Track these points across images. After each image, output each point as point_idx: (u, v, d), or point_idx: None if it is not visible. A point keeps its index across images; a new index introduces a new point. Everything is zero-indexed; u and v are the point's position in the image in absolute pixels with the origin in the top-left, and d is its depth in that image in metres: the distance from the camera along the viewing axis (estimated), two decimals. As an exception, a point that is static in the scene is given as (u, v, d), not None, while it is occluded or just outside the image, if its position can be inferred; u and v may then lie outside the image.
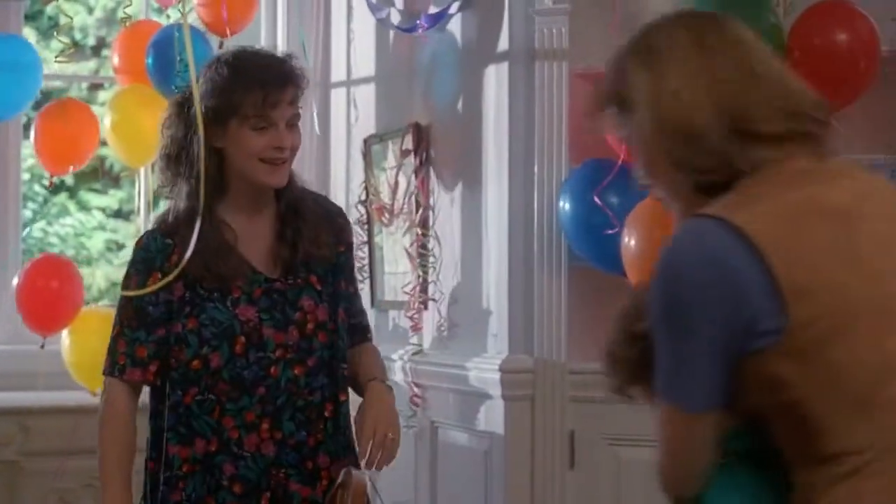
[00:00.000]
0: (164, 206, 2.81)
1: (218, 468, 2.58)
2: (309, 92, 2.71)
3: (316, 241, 2.67)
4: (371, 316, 3.27)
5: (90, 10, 7.71)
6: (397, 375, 4.20)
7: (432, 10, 4.18)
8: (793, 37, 3.62)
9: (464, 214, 4.08)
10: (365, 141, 4.63)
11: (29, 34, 5.91)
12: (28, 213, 7.20)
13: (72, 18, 4.94)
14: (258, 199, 2.67)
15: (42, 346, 4.63)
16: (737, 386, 1.74)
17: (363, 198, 4.55)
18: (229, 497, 2.58)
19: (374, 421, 2.57)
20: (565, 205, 3.64)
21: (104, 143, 4.85)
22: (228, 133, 2.60)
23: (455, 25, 4.14)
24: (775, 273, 1.69)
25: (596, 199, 3.51)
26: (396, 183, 4.37)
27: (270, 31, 5.19)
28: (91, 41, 7.67)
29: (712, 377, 1.73)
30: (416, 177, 4.24)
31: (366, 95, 4.76)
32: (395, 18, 4.43)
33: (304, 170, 4.26)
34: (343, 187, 4.79)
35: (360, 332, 2.79)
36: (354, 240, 2.97)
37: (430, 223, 4.22)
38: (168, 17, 4.95)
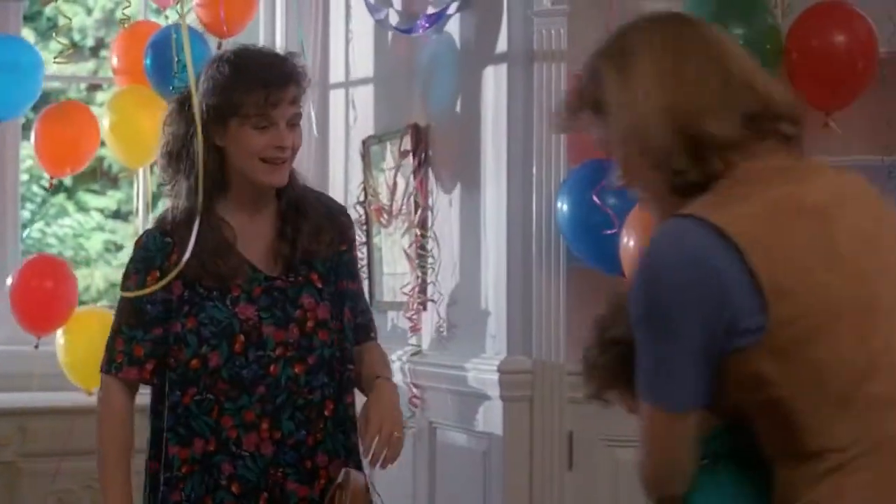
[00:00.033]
0: (162, 206, 2.81)
1: (216, 468, 2.58)
2: (307, 93, 2.71)
3: (316, 238, 2.67)
4: (370, 317, 3.27)
5: (89, 11, 7.71)
6: (396, 376, 4.20)
7: (431, 10, 4.19)
8: (791, 38, 3.62)
9: (462, 215, 4.08)
10: (363, 142, 4.63)
11: (27, 35, 5.91)
12: (26, 214, 7.20)
13: (70, 19, 4.94)
14: (259, 198, 2.67)
15: (36, 347, 4.63)
16: (719, 385, 1.75)
17: (362, 199, 4.55)
18: (227, 497, 2.58)
19: (379, 418, 2.56)
20: (564, 205, 3.64)
21: (102, 144, 4.85)
22: (229, 132, 2.60)
23: (453, 26, 4.14)
24: (756, 272, 1.70)
25: (595, 199, 3.51)
26: (395, 184, 4.37)
27: (269, 32, 5.19)
28: (90, 42, 7.67)
29: (694, 377, 1.74)
30: (415, 178, 4.25)
31: (364, 96, 4.76)
32: (394, 19, 4.43)
33: (302, 171, 4.26)
34: (342, 188, 4.79)
35: (364, 330, 2.77)
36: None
37: (429, 224, 4.22)
38: (166, 17, 4.95)
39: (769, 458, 1.76)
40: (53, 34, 4.94)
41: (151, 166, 5.04)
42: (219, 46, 4.49)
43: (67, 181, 6.79)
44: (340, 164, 4.88)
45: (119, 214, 7.85)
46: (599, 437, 3.67)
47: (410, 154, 4.27)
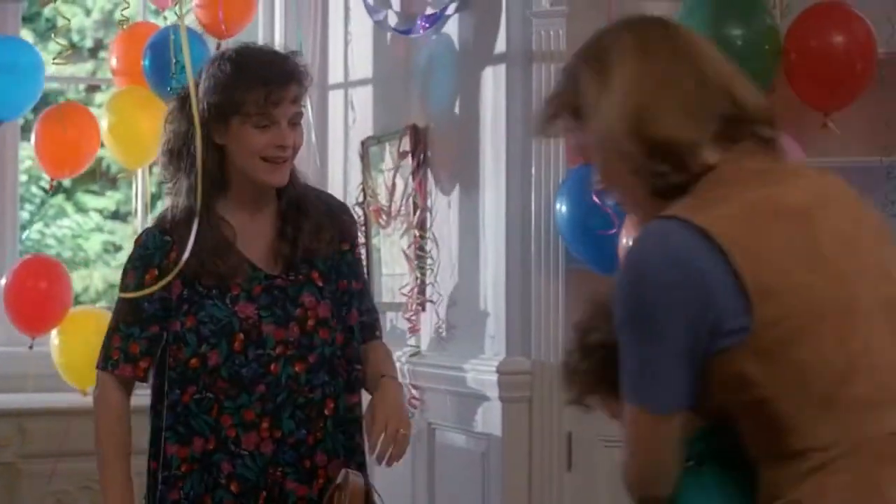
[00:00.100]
0: (161, 207, 2.81)
1: (216, 467, 2.58)
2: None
3: (317, 237, 2.66)
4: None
5: (87, 12, 7.72)
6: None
7: (429, 11, 4.19)
8: (789, 39, 3.62)
9: (461, 216, 4.08)
10: (362, 143, 4.63)
11: (26, 36, 5.90)
12: (25, 215, 7.20)
13: (69, 20, 4.94)
14: (259, 197, 2.66)
15: (31, 347, 4.63)
16: (703, 386, 1.75)
17: (360, 199, 4.55)
18: (226, 496, 2.58)
19: (385, 416, 2.55)
20: (562, 206, 3.65)
21: (101, 145, 4.85)
22: (230, 130, 2.59)
23: (452, 27, 4.15)
24: (740, 273, 1.71)
25: (595, 199, 3.51)
26: (394, 185, 4.37)
27: (268, 33, 5.19)
28: (88, 43, 7.67)
29: (679, 378, 1.74)
30: (414, 178, 4.25)
31: (363, 97, 4.76)
32: (393, 20, 4.43)
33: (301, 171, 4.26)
34: (340, 189, 4.79)
35: (369, 329, 2.76)
36: None
37: (428, 225, 4.22)
38: (165, 18, 4.95)
39: (753, 459, 1.77)
40: (52, 35, 4.94)
41: (150, 167, 5.04)
42: (217, 47, 4.49)
43: (66, 182, 6.79)
44: (339, 164, 4.88)
45: (118, 215, 7.85)
46: (598, 438, 3.67)
47: (409, 155, 4.27)
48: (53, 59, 4.71)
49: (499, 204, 3.86)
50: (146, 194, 5.07)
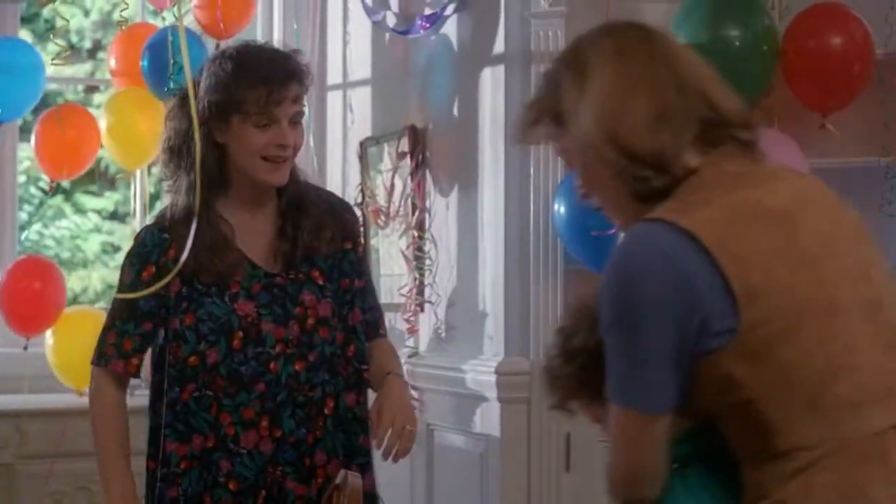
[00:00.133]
0: (160, 207, 2.80)
1: (215, 465, 2.58)
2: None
3: (318, 235, 2.65)
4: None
5: (86, 13, 7.71)
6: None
7: (428, 12, 4.19)
8: (787, 39, 3.63)
9: (460, 217, 4.08)
10: (361, 143, 4.63)
11: (25, 37, 5.90)
12: (24, 216, 7.20)
13: (68, 21, 4.94)
14: (260, 196, 2.66)
15: (25, 348, 4.63)
16: (689, 388, 1.76)
17: (359, 200, 4.55)
18: (225, 494, 2.57)
19: (391, 412, 2.54)
20: (561, 207, 3.65)
21: (100, 146, 4.85)
22: (231, 129, 2.59)
23: (451, 28, 4.15)
24: (727, 275, 1.72)
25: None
26: (392, 185, 4.37)
27: (266, 34, 5.20)
28: (87, 44, 7.67)
29: (666, 379, 1.75)
30: (412, 179, 4.25)
31: (362, 98, 4.76)
32: (391, 21, 4.43)
33: (300, 172, 4.26)
34: (339, 190, 4.79)
35: (373, 327, 2.75)
36: None
37: (427, 225, 4.22)
38: (163, 19, 4.95)
39: (738, 460, 1.78)
40: (51, 36, 4.94)
41: (149, 168, 5.04)
42: (216, 48, 4.49)
43: (65, 183, 6.79)
44: (338, 165, 4.88)
45: (116, 216, 7.85)
46: (597, 439, 3.67)
47: (408, 155, 4.28)
48: (52, 59, 4.72)
49: (497, 204, 3.86)
50: (145, 195, 5.07)
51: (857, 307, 1.77)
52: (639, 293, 1.74)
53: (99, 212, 7.92)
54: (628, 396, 1.77)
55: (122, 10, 4.88)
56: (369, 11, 4.47)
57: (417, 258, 4.24)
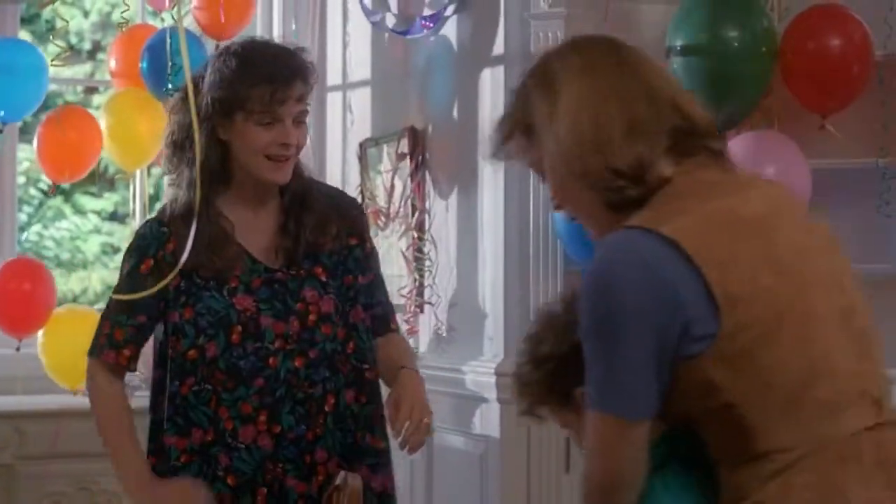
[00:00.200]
0: (159, 207, 2.80)
1: (214, 459, 2.57)
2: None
3: (321, 231, 2.64)
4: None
5: (86, 14, 7.72)
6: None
7: (427, 12, 4.19)
8: (786, 40, 3.63)
9: (459, 218, 4.08)
10: (360, 144, 4.63)
11: (25, 37, 5.90)
12: (23, 217, 7.20)
13: (68, 22, 4.95)
14: (262, 193, 2.65)
15: (18, 349, 4.63)
16: (669, 392, 1.77)
17: (359, 201, 4.56)
18: (224, 489, 2.57)
19: (409, 405, 2.53)
20: (561, 208, 3.64)
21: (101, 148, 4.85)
22: (234, 126, 2.58)
23: (450, 29, 4.15)
24: (708, 281, 1.73)
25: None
26: (392, 186, 4.38)
27: (266, 35, 5.19)
28: (87, 45, 7.67)
29: (647, 385, 1.76)
30: (412, 180, 4.25)
31: (361, 99, 4.76)
32: (391, 22, 4.43)
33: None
34: (339, 191, 4.80)
35: (383, 322, 2.73)
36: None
37: (426, 226, 4.23)
38: (162, 20, 4.95)
39: (716, 462, 1.80)
40: (51, 37, 4.95)
41: (148, 168, 5.04)
42: (216, 49, 4.49)
43: (65, 184, 6.80)
44: (338, 166, 4.88)
45: (116, 217, 7.85)
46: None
47: (407, 156, 4.28)
48: (52, 60, 4.72)
49: (497, 206, 3.86)
50: (144, 196, 5.07)
51: (832, 314, 1.80)
52: (617, 302, 1.75)
53: (98, 213, 7.92)
54: (607, 402, 1.78)
55: (123, 12, 4.88)
56: (368, 13, 4.47)
57: (417, 259, 4.24)
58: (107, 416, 2.65)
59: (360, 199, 4.55)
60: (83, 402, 4.56)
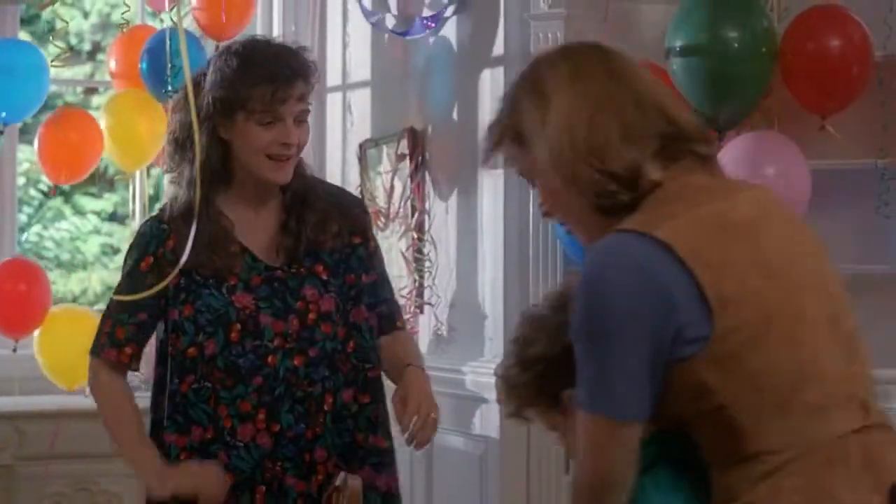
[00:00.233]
0: (159, 208, 2.80)
1: (213, 457, 2.57)
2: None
3: (322, 229, 2.63)
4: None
5: (85, 15, 7.72)
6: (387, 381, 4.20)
7: (427, 13, 4.19)
8: (786, 41, 3.63)
9: (459, 219, 4.08)
10: (360, 145, 4.63)
11: (24, 38, 5.91)
12: (23, 218, 7.20)
13: (67, 23, 4.95)
14: (263, 192, 2.64)
15: (14, 350, 4.64)
16: (662, 395, 1.78)
17: (362, 199, 4.56)
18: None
19: (416, 401, 2.53)
20: (560, 209, 3.64)
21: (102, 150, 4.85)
22: (235, 126, 2.57)
23: (450, 29, 4.15)
24: (702, 284, 1.75)
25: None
26: (392, 187, 4.38)
27: (266, 35, 5.19)
28: (87, 46, 7.67)
29: (640, 388, 1.77)
30: (412, 181, 4.25)
31: (361, 100, 4.76)
32: (390, 22, 4.43)
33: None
34: (338, 191, 4.80)
35: (389, 320, 2.72)
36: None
37: (426, 227, 4.23)
38: (161, 21, 4.96)
39: (707, 463, 1.81)
40: (50, 38, 4.95)
41: (148, 169, 5.04)
42: (216, 50, 4.49)
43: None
44: (337, 167, 4.88)
45: (116, 217, 7.85)
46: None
47: (407, 157, 4.28)
48: (52, 61, 4.72)
49: (497, 206, 3.86)
50: (144, 196, 5.07)
51: (821, 318, 1.81)
52: (612, 305, 1.76)
53: (98, 213, 7.92)
54: (598, 403, 1.79)
55: (123, 13, 4.88)
56: (367, 13, 4.47)
57: (417, 260, 4.24)
58: (112, 410, 2.64)
59: (359, 200, 4.56)
60: (82, 402, 4.61)
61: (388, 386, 2.68)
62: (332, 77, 4.94)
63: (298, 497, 2.59)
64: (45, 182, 4.92)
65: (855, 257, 3.74)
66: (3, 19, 5.01)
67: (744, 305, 1.76)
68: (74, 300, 7.17)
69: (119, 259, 2.69)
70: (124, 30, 4.91)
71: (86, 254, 7.87)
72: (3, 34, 4.92)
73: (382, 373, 2.71)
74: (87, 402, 4.56)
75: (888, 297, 3.73)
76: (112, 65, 4.88)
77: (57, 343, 4.61)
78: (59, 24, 4.86)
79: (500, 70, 3.86)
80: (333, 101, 4.95)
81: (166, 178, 2.78)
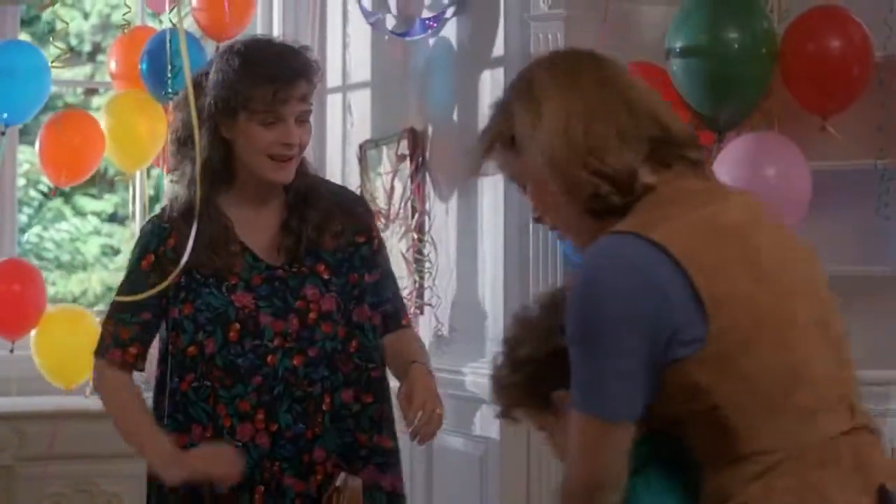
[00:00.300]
0: (159, 208, 2.81)
1: None
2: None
3: (323, 228, 2.63)
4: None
5: (86, 16, 7.72)
6: (392, 380, 4.20)
7: (427, 14, 4.19)
8: (786, 42, 3.63)
9: (459, 219, 4.08)
10: (360, 146, 4.63)
11: (25, 39, 5.91)
12: (23, 219, 7.20)
13: (68, 24, 4.95)
14: (265, 192, 2.64)
15: (11, 351, 4.64)
16: (656, 395, 1.79)
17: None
18: (221, 486, 2.57)
19: (422, 396, 2.52)
20: (560, 210, 3.65)
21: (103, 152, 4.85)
22: (237, 126, 2.57)
23: (450, 30, 4.15)
24: (697, 285, 1.76)
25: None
26: (392, 188, 4.38)
27: (268, 35, 5.19)
28: (87, 47, 7.67)
29: (634, 389, 1.78)
30: (412, 182, 4.25)
31: (361, 100, 4.77)
32: (390, 23, 4.43)
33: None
34: (339, 192, 4.80)
35: (394, 318, 2.70)
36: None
37: (426, 228, 4.23)
38: (160, 22, 4.96)
39: (700, 464, 1.82)
40: (51, 39, 4.95)
41: (148, 170, 5.05)
42: (216, 51, 4.50)
43: (64, 186, 6.80)
44: (338, 168, 4.89)
45: (116, 218, 7.86)
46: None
47: (407, 158, 4.28)
48: (52, 62, 4.72)
49: (497, 207, 3.86)
50: (144, 197, 5.07)
51: (811, 321, 1.83)
52: (607, 307, 1.77)
53: (98, 214, 7.92)
54: (591, 403, 1.80)
55: (124, 14, 4.88)
56: (367, 14, 4.47)
57: (417, 261, 4.24)
58: (118, 403, 2.63)
59: (360, 201, 4.56)
60: (80, 402, 4.61)
61: (395, 386, 2.68)
62: (332, 78, 4.95)
63: (297, 497, 2.59)
64: (46, 183, 4.92)
65: (855, 258, 3.74)
66: (3, 20, 5.01)
67: (737, 308, 1.77)
68: (75, 301, 7.18)
69: (119, 260, 2.70)
70: (125, 31, 4.91)
71: (86, 255, 7.87)
72: (4, 35, 4.92)
73: (387, 372, 2.70)
74: (85, 402, 4.59)
75: (888, 297, 3.73)
76: (112, 66, 4.89)
77: (53, 343, 4.62)
78: (59, 25, 4.86)
79: (500, 71, 3.86)
80: (333, 102, 4.95)
81: (167, 179, 2.78)
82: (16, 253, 5.09)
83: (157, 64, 4.48)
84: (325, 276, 2.63)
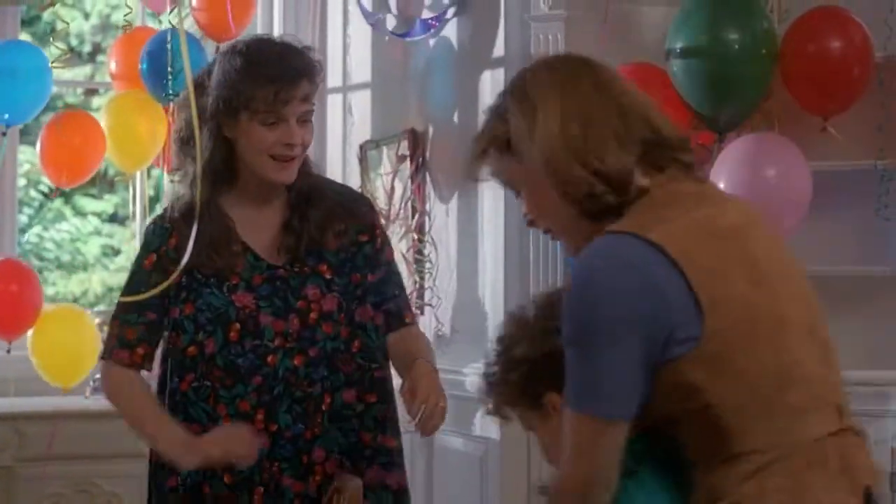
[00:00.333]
0: (159, 209, 2.81)
1: None
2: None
3: (325, 227, 2.62)
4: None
5: (86, 16, 7.72)
6: (397, 379, 4.21)
7: (427, 14, 4.20)
8: (787, 42, 3.63)
9: (460, 220, 4.09)
10: (361, 146, 4.64)
11: (25, 39, 5.91)
12: (24, 219, 7.21)
13: (68, 24, 4.95)
14: (267, 192, 2.63)
15: (9, 352, 4.64)
16: (651, 394, 1.80)
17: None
18: (221, 486, 2.56)
19: (426, 390, 2.51)
20: (561, 210, 3.65)
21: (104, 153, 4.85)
22: (239, 125, 2.57)
23: (451, 31, 4.15)
24: (693, 284, 1.78)
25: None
26: (392, 188, 4.38)
27: (270, 34, 5.19)
28: (87, 47, 7.68)
29: (629, 388, 1.79)
30: (412, 182, 4.26)
31: (362, 101, 4.77)
32: (390, 24, 4.44)
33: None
34: (339, 193, 4.80)
35: (397, 317, 2.69)
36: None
37: (427, 228, 4.23)
38: (160, 22, 4.96)
39: (692, 463, 1.83)
40: (51, 39, 4.95)
41: (148, 170, 5.05)
42: (216, 51, 4.50)
43: (65, 186, 6.80)
44: (338, 168, 4.89)
45: (116, 218, 7.86)
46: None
47: (408, 159, 4.28)
48: (52, 62, 4.72)
49: (497, 207, 3.86)
50: (144, 197, 5.07)
51: (802, 324, 1.85)
52: (603, 306, 1.78)
53: (99, 214, 7.92)
54: (586, 402, 1.81)
55: (125, 14, 4.88)
56: (367, 15, 4.47)
57: (417, 261, 4.24)
58: (127, 396, 2.62)
59: (360, 201, 4.56)
60: (79, 403, 4.61)
61: (399, 384, 2.68)
62: (333, 78, 4.95)
63: (296, 498, 2.58)
64: (46, 183, 4.92)
65: (855, 258, 3.75)
66: (3, 20, 5.02)
67: (732, 308, 1.79)
68: (75, 301, 7.18)
69: (119, 260, 2.70)
70: (125, 31, 4.91)
71: (86, 255, 7.87)
72: (4, 35, 4.92)
73: (391, 372, 2.70)
74: (84, 402, 4.60)
75: (888, 297, 3.73)
76: (112, 66, 4.89)
77: (50, 343, 4.62)
78: (59, 26, 4.85)
79: (501, 71, 3.86)
80: (334, 103, 4.95)
81: (167, 179, 2.79)
82: (16, 253, 5.09)
83: (157, 64, 4.48)
84: (328, 277, 2.63)
